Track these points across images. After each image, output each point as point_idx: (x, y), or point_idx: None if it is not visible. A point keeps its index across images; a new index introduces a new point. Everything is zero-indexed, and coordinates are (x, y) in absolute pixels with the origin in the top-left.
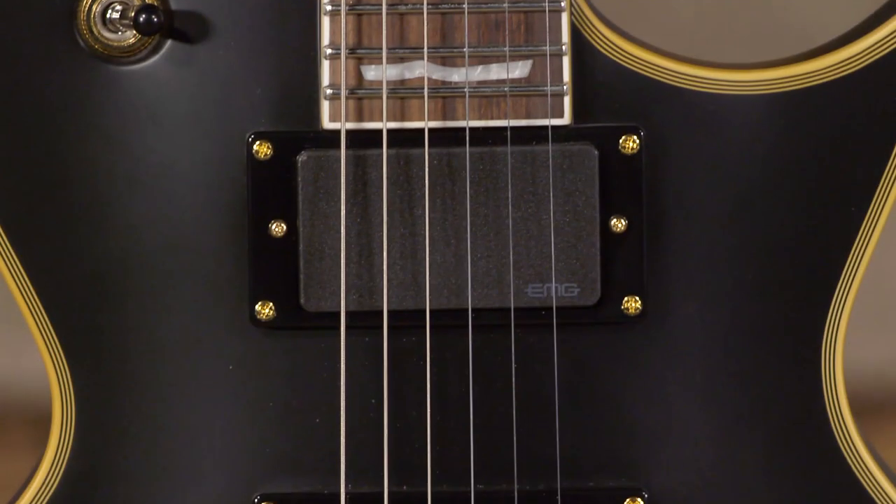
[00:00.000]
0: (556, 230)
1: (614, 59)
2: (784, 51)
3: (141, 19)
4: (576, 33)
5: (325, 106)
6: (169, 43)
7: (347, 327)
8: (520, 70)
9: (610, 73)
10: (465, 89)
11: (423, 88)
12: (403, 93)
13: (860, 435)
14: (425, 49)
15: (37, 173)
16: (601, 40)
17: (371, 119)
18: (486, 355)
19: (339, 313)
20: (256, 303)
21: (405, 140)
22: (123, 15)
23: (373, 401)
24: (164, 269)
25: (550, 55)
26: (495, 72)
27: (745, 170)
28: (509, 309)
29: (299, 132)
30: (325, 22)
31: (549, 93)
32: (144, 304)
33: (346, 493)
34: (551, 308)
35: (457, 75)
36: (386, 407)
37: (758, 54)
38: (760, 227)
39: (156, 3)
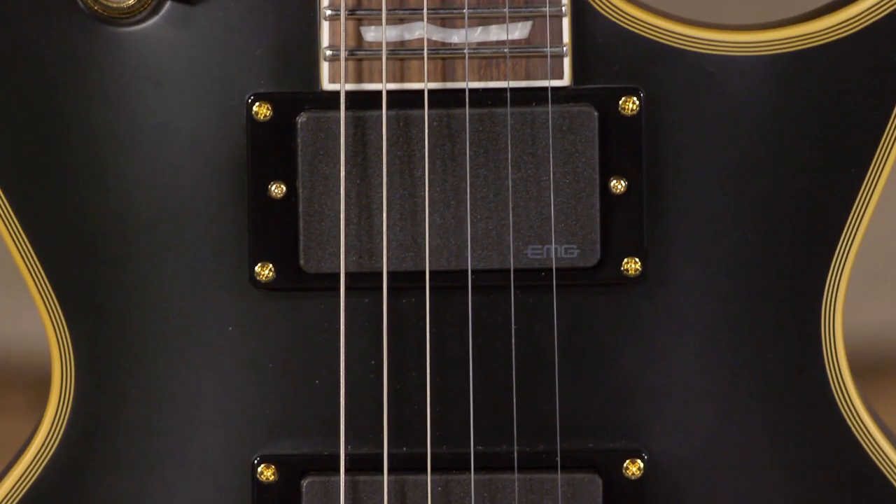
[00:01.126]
0: (555, 191)
1: (614, 20)
2: (784, 12)
3: None
4: None
5: (325, 67)
6: (168, 4)
7: (347, 288)
8: (519, 31)
9: (610, 34)
10: (465, 50)
11: (422, 50)
12: (403, 54)
13: (860, 396)
14: (425, 10)
15: (37, 136)
16: (601, 1)
17: (371, 80)
18: (486, 317)
19: (338, 274)
20: (256, 264)
21: (405, 101)
22: None
23: (372, 362)
24: (164, 230)
25: (550, 16)
26: (495, 33)
27: (744, 131)
28: (509, 270)
29: (299, 93)
30: None
31: (548, 54)
32: (144, 265)
33: (346, 455)
34: (551, 269)
35: (456, 36)
36: (386, 368)
37: (758, 16)
38: (760, 188)
39: None
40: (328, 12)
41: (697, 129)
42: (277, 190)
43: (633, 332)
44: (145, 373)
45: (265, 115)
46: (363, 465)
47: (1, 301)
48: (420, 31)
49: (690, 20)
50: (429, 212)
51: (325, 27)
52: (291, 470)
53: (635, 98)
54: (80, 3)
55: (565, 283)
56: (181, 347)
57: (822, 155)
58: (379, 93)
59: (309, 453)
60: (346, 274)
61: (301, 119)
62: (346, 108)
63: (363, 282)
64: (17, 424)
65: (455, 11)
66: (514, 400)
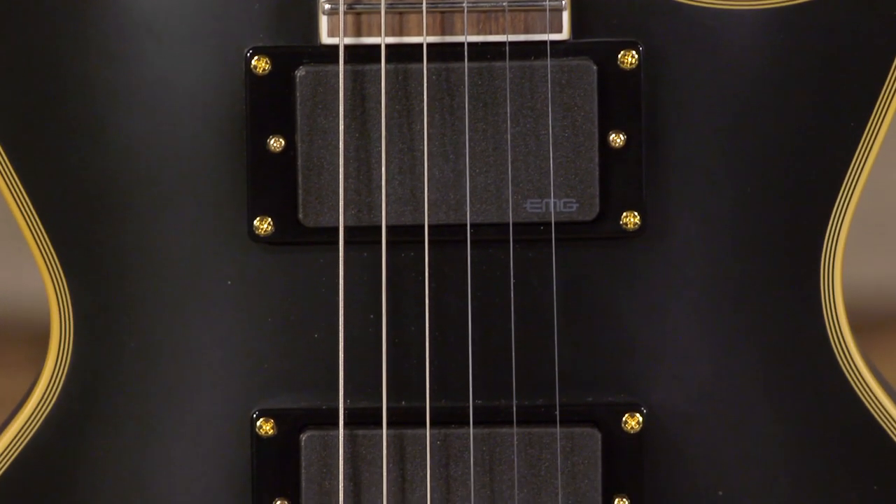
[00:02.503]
0: (554, 145)
1: None
2: None
3: None
4: None
5: (324, 21)
6: None
7: (346, 242)
8: None
9: None
10: (464, 4)
11: (421, 3)
12: (402, 7)
13: (859, 350)
14: None
15: (36, 91)
16: None
17: (369, 34)
18: (485, 271)
19: (337, 228)
20: (255, 218)
21: (403, 55)
22: None
23: (371, 316)
24: (163, 185)
25: None
26: None
27: (744, 84)
28: (508, 224)
29: (298, 47)
30: None
31: (547, 7)
32: (142, 220)
33: (345, 409)
34: (550, 223)
35: None
36: (385, 322)
37: None
38: (759, 141)
39: None
40: None
41: (696, 83)
42: (276, 144)
43: (632, 287)
44: (144, 327)
45: (264, 69)
46: (362, 419)
47: (0, 257)
48: None
49: None
50: (427, 166)
51: None
52: (290, 424)
53: (634, 52)
54: None
55: (564, 237)
56: (180, 302)
57: (822, 108)
58: (377, 46)
59: (308, 407)
60: (345, 228)
61: (300, 73)
62: (345, 62)
63: (362, 235)
64: (16, 380)
65: None
66: (513, 354)
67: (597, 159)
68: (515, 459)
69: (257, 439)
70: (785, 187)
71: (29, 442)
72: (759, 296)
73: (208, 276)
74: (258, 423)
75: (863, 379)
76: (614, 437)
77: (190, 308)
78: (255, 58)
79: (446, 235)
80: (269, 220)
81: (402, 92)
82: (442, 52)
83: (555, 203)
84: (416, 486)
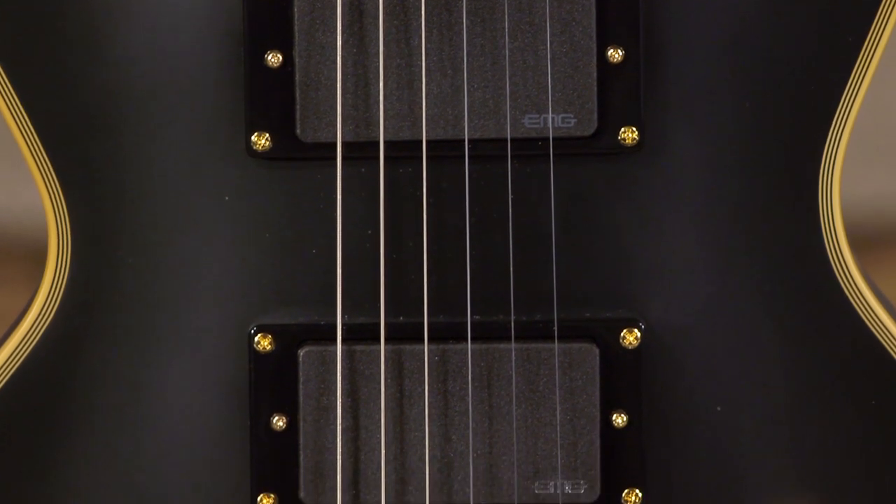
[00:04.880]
0: (552, 60)
1: None
2: None
3: None
4: None
5: None
6: None
7: (343, 158)
8: None
9: None
10: None
11: None
12: None
13: (859, 268)
14: None
15: (33, 6)
16: None
17: None
18: (483, 186)
19: (335, 144)
20: (252, 133)
21: None
22: None
23: (369, 232)
24: (160, 100)
25: None
26: None
27: None
28: (506, 139)
29: None
30: None
31: None
32: (140, 135)
33: (343, 324)
34: (548, 138)
35: None
36: (382, 236)
37: None
38: (758, 56)
39: None
40: None
41: None
42: (274, 59)
43: (630, 202)
44: (141, 243)
45: None
46: (360, 334)
47: None
48: None
49: None
50: (425, 81)
51: None
52: (288, 339)
53: None
54: None
55: (562, 153)
56: (177, 218)
57: (820, 22)
58: None
59: (306, 323)
60: (343, 143)
61: None
62: None
63: (359, 151)
64: (14, 296)
65: None
66: (512, 269)
67: (595, 74)
68: (513, 375)
69: (255, 355)
70: (783, 102)
71: (27, 356)
72: (757, 211)
73: (206, 191)
74: (256, 339)
75: (861, 295)
76: (612, 353)
77: (188, 224)
78: None
79: (444, 151)
80: (267, 135)
81: (400, 7)
82: None
83: (553, 118)
84: (414, 401)
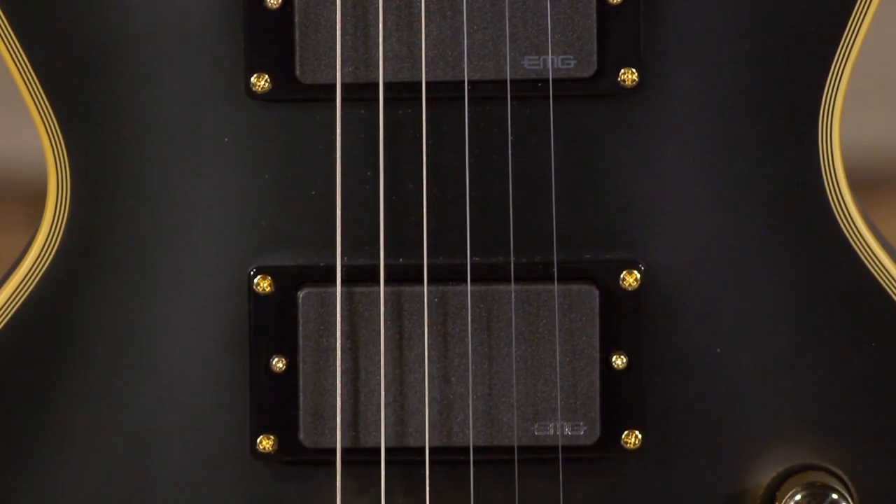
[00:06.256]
0: (552, 1)
1: None
2: None
3: None
4: None
5: None
6: None
7: (343, 99)
8: None
9: None
10: None
11: None
12: None
13: (858, 209)
14: None
15: None
16: None
17: None
18: (483, 128)
19: (334, 85)
20: (252, 75)
21: None
22: None
23: (369, 173)
24: (160, 42)
25: None
26: None
27: None
28: (505, 81)
29: None
30: None
31: None
32: (139, 76)
33: (342, 265)
34: (548, 80)
35: None
36: (382, 178)
37: None
38: None
39: None
40: None
41: None
42: (273, 0)
43: (630, 143)
44: (141, 185)
45: None
46: (360, 276)
47: None
48: None
49: None
50: (425, 22)
51: None
52: (288, 281)
53: None
54: None
55: (562, 94)
56: (177, 159)
57: None
58: None
59: (305, 264)
60: (342, 84)
61: None
62: None
63: (359, 92)
64: (13, 239)
65: None
66: (511, 211)
67: (595, 16)
68: (513, 316)
69: (255, 296)
70: (783, 41)
71: (26, 298)
72: (757, 152)
73: (205, 133)
74: (255, 281)
75: (861, 236)
76: (612, 294)
77: (187, 165)
78: None
79: (444, 92)
80: (267, 76)
81: None
82: None
83: (552, 59)
84: (413, 343)
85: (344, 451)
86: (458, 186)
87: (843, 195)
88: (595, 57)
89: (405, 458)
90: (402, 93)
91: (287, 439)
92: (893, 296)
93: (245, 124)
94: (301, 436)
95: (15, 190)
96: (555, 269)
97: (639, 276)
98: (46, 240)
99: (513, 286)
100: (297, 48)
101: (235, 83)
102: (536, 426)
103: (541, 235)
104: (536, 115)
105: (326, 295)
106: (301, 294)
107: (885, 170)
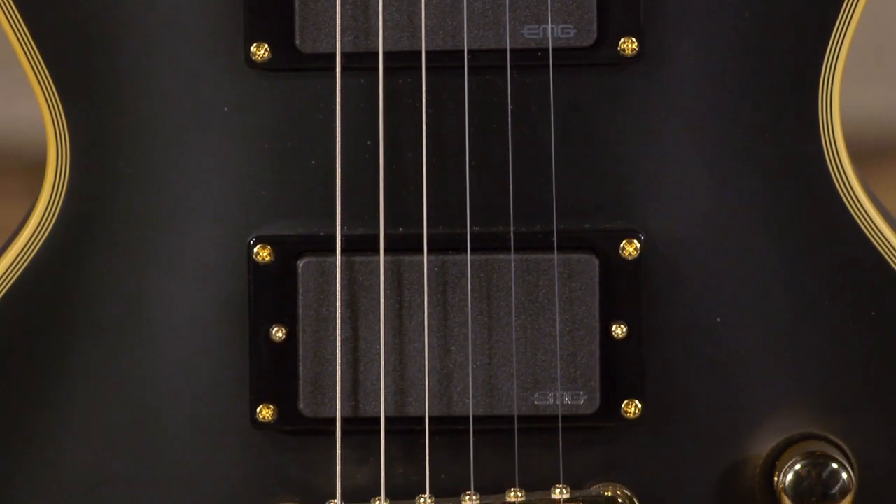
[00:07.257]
0: None
1: None
2: None
3: None
4: None
5: None
6: None
7: (343, 68)
8: None
9: None
10: None
11: None
12: None
13: (858, 178)
14: None
15: None
16: None
17: None
18: (482, 97)
19: (334, 54)
20: (251, 44)
21: None
22: None
23: (368, 142)
24: (159, 11)
25: None
26: None
27: None
28: (505, 50)
29: None
30: None
31: None
32: (139, 45)
33: (342, 235)
34: (547, 49)
35: None
36: (381, 147)
37: None
38: None
39: None
40: None
41: None
42: None
43: (630, 113)
44: (140, 154)
45: None
46: (359, 245)
47: None
48: None
49: None
50: None
51: None
52: (287, 250)
53: None
54: None
55: (562, 63)
56: (176, 129)
57: None
58: None
59: (305, 234)
60: (342, 53)
61: None
62: None
63: (359, 62)
64: (13, 210)
65: None
66: (511, 180)
67: None
68: (513, 286)
69: (255, 265)
70: (783, 11)
71: (27, 267)
72: (757, 122)
73: (205, 102)
74: (255, 250)
75: (861, 205)
76: (612, 264)
77: (187, 135)
78: None
79: (444, 62)
80: (266, 45)
81: None
82: None
83: (552, 28)
84: (413, 312)
85: (344, 420)
86: (458, 156)
87: (844, 165)
88: (595, 26)
89: (405, 428)
90: (402, 62)
91: (287, 409)
92: (894, 265)
93: (245, 94)
94: (301, 405)
95: (14, 159)
96: (554, 239)
97: (638, 245)
98: (46, 209)
99: (512, 255)
100: (297, 17)
101: (235, 52)
102: (536, 395)
103: (540, 205)
104: (536, 85)
105: (326, 264)
106: (301, 263)
107: (885, 140)
